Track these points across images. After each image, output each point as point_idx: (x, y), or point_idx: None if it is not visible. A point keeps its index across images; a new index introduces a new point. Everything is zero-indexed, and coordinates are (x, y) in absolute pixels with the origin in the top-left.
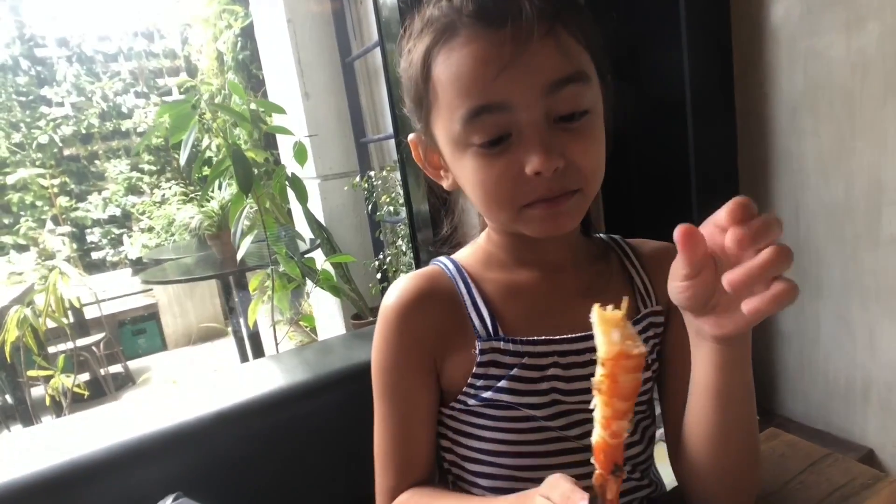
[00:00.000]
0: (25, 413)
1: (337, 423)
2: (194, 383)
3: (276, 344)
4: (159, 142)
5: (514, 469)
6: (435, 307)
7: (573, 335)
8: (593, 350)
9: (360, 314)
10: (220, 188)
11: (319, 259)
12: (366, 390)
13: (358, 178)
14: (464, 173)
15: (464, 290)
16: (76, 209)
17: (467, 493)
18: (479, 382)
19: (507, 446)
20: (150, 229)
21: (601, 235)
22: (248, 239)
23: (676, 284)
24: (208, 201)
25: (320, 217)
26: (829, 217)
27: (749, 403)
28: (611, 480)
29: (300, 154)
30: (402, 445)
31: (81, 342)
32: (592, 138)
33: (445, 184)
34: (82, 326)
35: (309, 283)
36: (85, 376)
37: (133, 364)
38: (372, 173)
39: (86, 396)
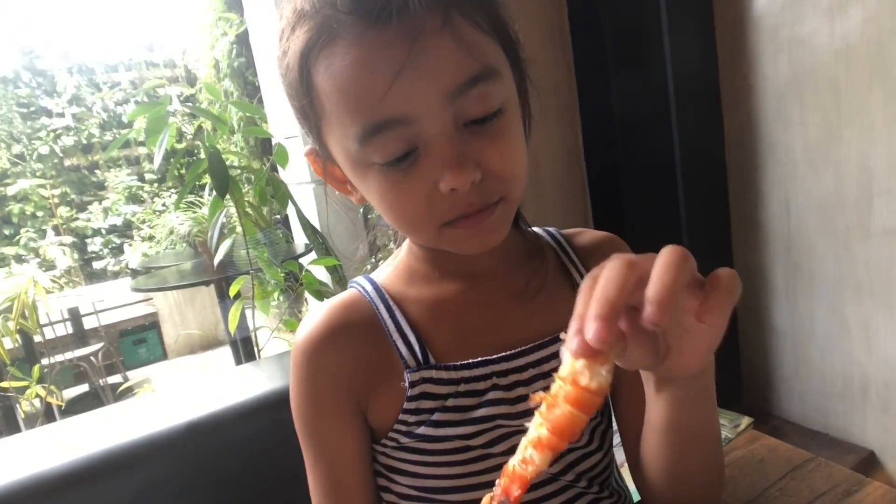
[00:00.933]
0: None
1: None
2: (169, 392)
3: (258, 350)
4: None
5: None
6: (352, 340)
7: (512, 351)
8: (536, 364)
9: None
10: (209, 193)
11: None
12: None
13: None
14: (369, 194)
15: (385, 315)
16: (77, 219)
17: None
18: (411, 418)
19: (451, 481)
20: (151, 238)
21: (535, 229)
22: (226, 243)
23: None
24: (200, 207)
25: (315, 222)
26: (820, 209)
27: (710, 440)
28: None
29: (280, 156)
30: (333, 495)
31: (80, 352)
32: (509, 139)
33: (354, 198)
34: (81, 336)
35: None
36: (84, 387)
37: (133, 374)
38: None
39: (63, 407)
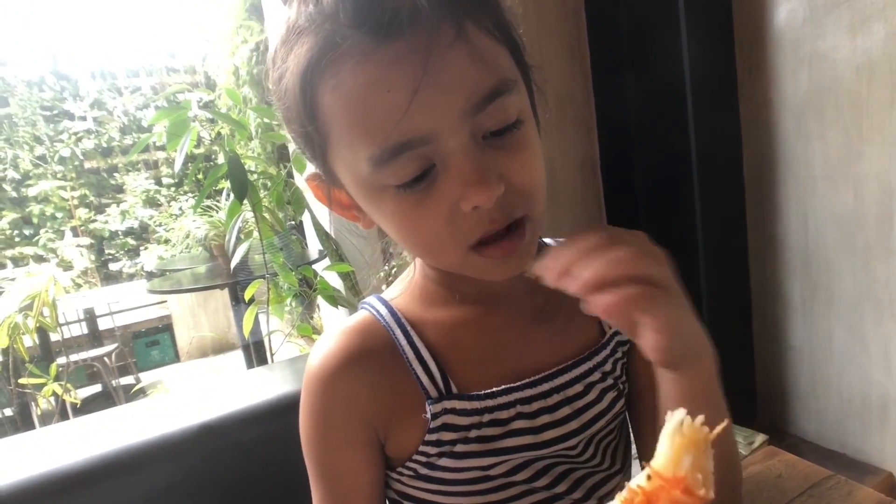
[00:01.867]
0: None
1: None
2: (182, 393)
3: (271, 354)
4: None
5: None
6: (370, 368)
7: (536, 377)
8: (560, 389)
9: None
10: (227, 198)
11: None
12: None
13: None
14: (384, 220)
15: (404, 341)
16: (95, 221)
17: None
18: (432, 450)
19: None
20: (167, 241)
21: (546, 241)
22: (243, 247)
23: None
24: (216, 211)
25: (329, 228)
26: (839, 225)
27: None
28: None
29: (298, 161)
30: None
31: (94, 353)
32: (529, 151)
33: (362, 223)
34: (96, 337)
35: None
36: (97, 387)
37: (146, 376)
38: None
39: (78, 406)
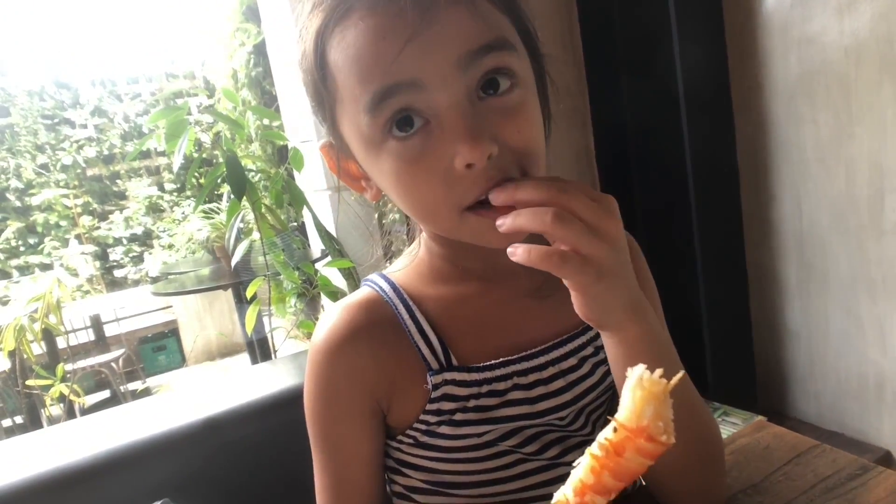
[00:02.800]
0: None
1: None
2: (188, 389)
3: (274, 351)
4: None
5: (476, 498)
6: (373, 342)
7: (532, 350)
8: (555, 362)
9: None
10: (227, 200)
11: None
12: None
13: None
14: (384, 179)
15: (406, 315)
16: (98, 228)
17: None
18: (432, 418)
19: (465, 476)
20: (171, 246)
21: None
22: (243, 245)
23: None
24: (218, 213)
25: (331, 228)
26: (832, 207)
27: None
28: None
29: (296, 159)
30: (342, 497)
31: (101, 359)
32: (525, 115)
33: (369, 195)
34: (103, 343)
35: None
36: (106, 393)
37: (153, 381)
38: None
39: (84, 408)
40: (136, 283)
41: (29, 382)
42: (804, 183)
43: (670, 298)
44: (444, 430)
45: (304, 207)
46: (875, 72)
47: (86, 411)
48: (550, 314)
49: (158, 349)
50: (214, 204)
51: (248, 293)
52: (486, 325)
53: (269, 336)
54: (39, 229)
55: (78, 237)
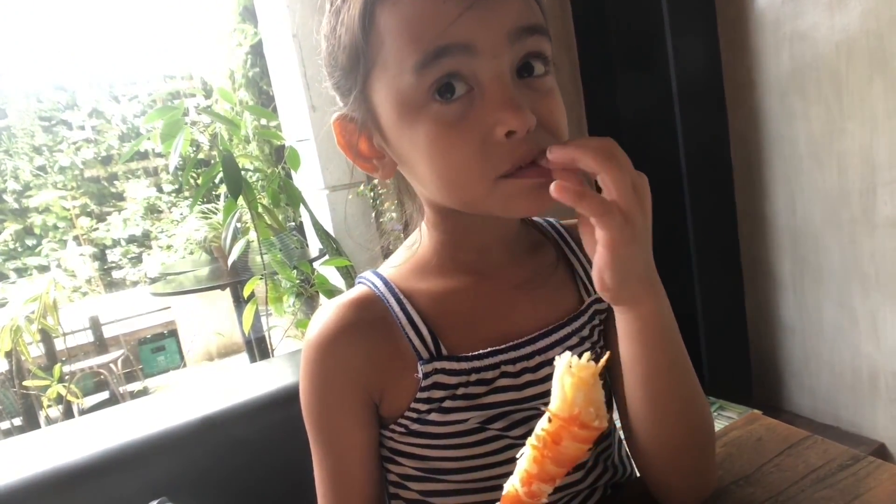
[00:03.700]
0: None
1: None
2: (185, 388)
3: (272, 350)
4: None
5: (467, 482)
6: (366, 337)
7: (519, 340)
8: (542, 352)
9: None
10: (225, 200)
11: (323, 267)
12: None
13: (362, 187)
14: (416, 144)
15: (397, 309)
16: (96, 229)
17: None
18: (423, 406)
19: (455, 462)
20: (169, 247)
21: (537, 219)
22: (240, 244)
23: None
24: (216, 213)
25: (329, 227)
26: (825, 202)
27: (676, 377)
28: None
29: (293, 159)
30: (341, 490)
31: (100, 360)
32: (556, 99)
33: (379, 174)
34: (101, 345)
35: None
36: (104, 395)
37: (152, 382)
38: (377, 181)
39: (83, 407)
40: (135, 284)
41: (26, 383)
42: (797, 178)
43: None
44: (433, 417)
45: (302, 206)
46: (865, 67)
47: (85, 413)
48: (538, 306)
49: (157, 350)
50: (212, 204)
51: (245, 292)
52: (475, 316)
53: (266, 335)
54: (37, 231)
55: (76, 239)
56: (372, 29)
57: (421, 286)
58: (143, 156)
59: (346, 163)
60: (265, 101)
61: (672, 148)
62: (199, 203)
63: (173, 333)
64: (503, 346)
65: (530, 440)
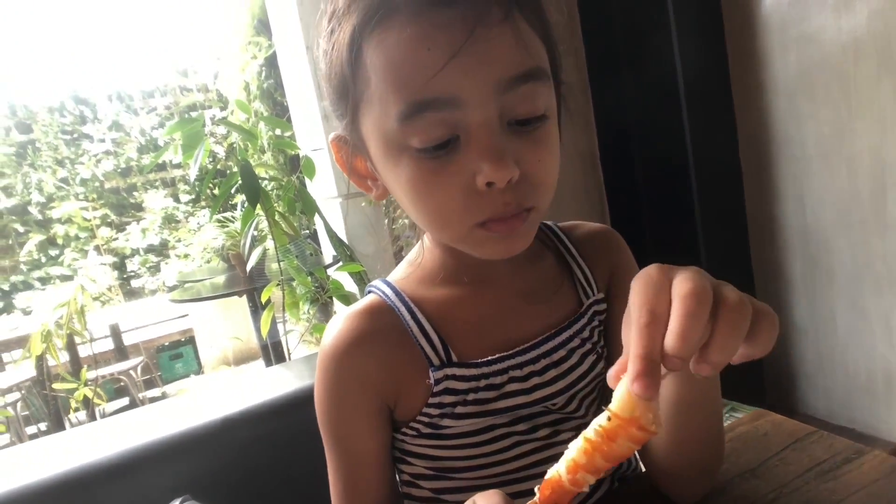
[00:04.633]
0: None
1: None
2: (203, 391)
3: (288, 353)
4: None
5: (478, 479)
6: (379, 345)
7: (526, 345)
8: (547, 355)
9: None
10: (242, 209)
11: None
12: None
13: None
14: (399, 183)
15: (408, 317)
16: (116, 239)
17: None
18: (434, 411)
19: (466, 461)
20: (187, 256)
21: (549, 224)
22: (257, 251)
23: None
24: (232, 222)
25: (342, 235)
26: (835, 203)
27: (713, 415)
28: None
29: (308, 168)
30: (355, 493)
31: (120, 367)
32: (549, 148)
33: (374, 194)
34: (121, 352)
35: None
36: (125, 401)
37: (171, 388)
38: None
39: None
40: (153, 292)
41: (55, 386)
42: (807, 179)
43: None
44: (445, 421)
45: (316, 214)
46: (873, 68)
47: (106, 417)
48: (539, 312)
49: (175, 357)
50: (229, 213)
51: (263, 298)
52: (482, 323)
53: (283, 340)
54: (60, 241)
55: (97, 248)
56: (359, 64)
57: (429, 294)
58: (161, 167)
59: None
60: (279, 111)
61: (681, 151)
62: (217, 212)
63: (191, 341)
64: (510, 352)
65: (585, 433)
